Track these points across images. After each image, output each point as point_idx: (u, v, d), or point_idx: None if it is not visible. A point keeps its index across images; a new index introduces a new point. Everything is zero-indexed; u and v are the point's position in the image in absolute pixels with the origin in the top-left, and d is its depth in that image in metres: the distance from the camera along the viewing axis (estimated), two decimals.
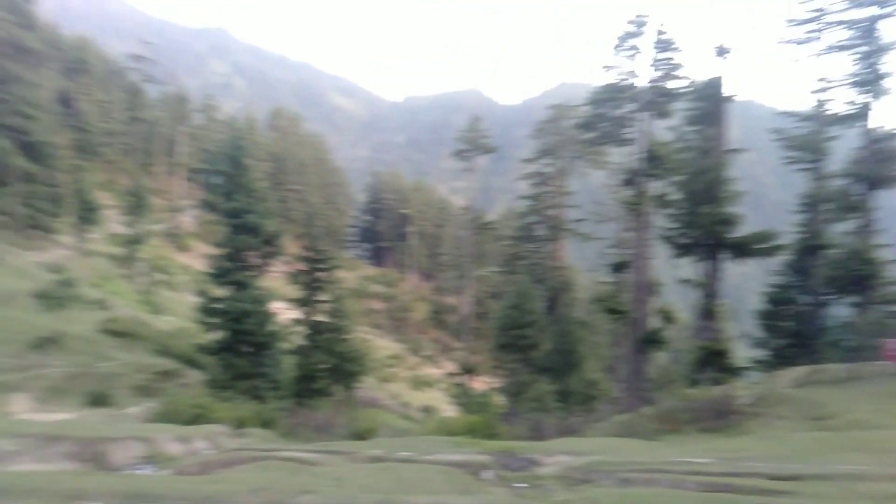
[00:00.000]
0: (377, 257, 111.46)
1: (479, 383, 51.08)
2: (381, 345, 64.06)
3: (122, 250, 57.70)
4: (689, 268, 32.71)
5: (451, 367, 70.56)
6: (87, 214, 54.67)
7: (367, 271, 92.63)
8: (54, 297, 29.63)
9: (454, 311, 78.51)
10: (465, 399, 39.19)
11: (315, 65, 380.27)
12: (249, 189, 24.50)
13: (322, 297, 27.48)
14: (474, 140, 49.81)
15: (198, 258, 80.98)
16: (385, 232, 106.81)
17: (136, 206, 57.20)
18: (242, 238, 23.33)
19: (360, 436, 17.04)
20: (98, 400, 19.51)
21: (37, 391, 18.69)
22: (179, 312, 51.59)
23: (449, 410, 49.04)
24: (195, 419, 15.36)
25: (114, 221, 71.45)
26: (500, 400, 37.02)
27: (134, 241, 55.06)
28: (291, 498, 6.17)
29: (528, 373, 35.40)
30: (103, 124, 74.48)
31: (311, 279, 27.78)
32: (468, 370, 43.52)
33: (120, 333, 28.25)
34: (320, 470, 8.36)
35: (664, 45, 35.17)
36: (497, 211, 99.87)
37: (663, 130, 36.96)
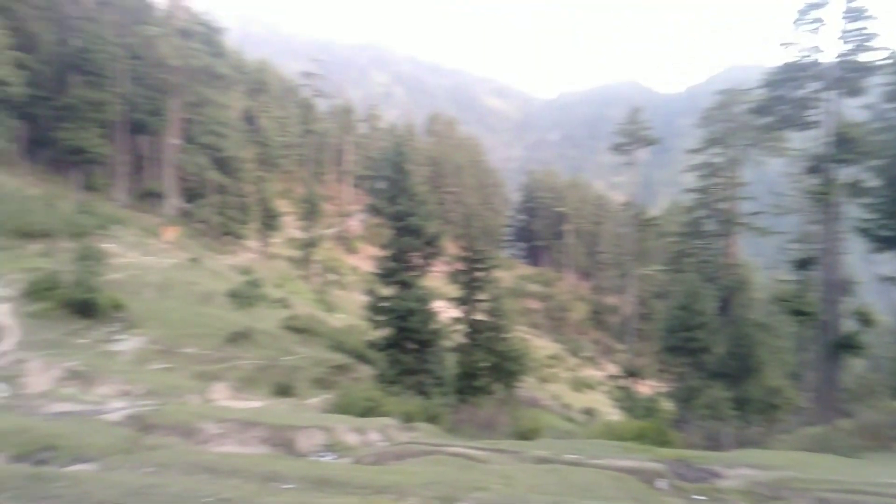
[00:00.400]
0: (533, 256, 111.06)
1: (644, 387, 48.90)
2: (540, 345, 63.71)
3: (299, 253, 63.09)
4: (891, 264, 28.77)
5: (613, 369, 68.28)
6: (270, 221, 60.41)
7: (524, 270, 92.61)
8: (244, 297, 32.97)
9: (615, 312, 75.98)
10: (629, 403, 37.73)
11: (468, 69, 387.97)
12: (412, 193, 25.57)
13: (481, 296, 27.95)
14: (634, 132, 47.78)
15: (365, 259, 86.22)
16: (541, 231, 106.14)
17: (309, 212, 62.09)
18: (406, 240, 24.42)
19: (524, 436, 17.04)
20: (283, 390, 21.46)
21: (232, 380, 20.96)
22: (350, 310, 55.22)
23: (612, 414, 47.53)
24: (367, 412, 16.30)
25: (291, 227, 78.30)
26: (668, 405, 35.16)
27: (309, 245, 59.81)
28: (464, 494, 6.30)
29: (699, 378, 33.24)
30: (281, 138, 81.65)
31: (470, 279, 28.32)
32: (632, 373, 41.85)
33: (300, 330, 30.82)
34: (489, 467, 8.47)
35: (855, 13, 31.19)
36: (660, 206, 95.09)
37: (855, 110, 32.85)
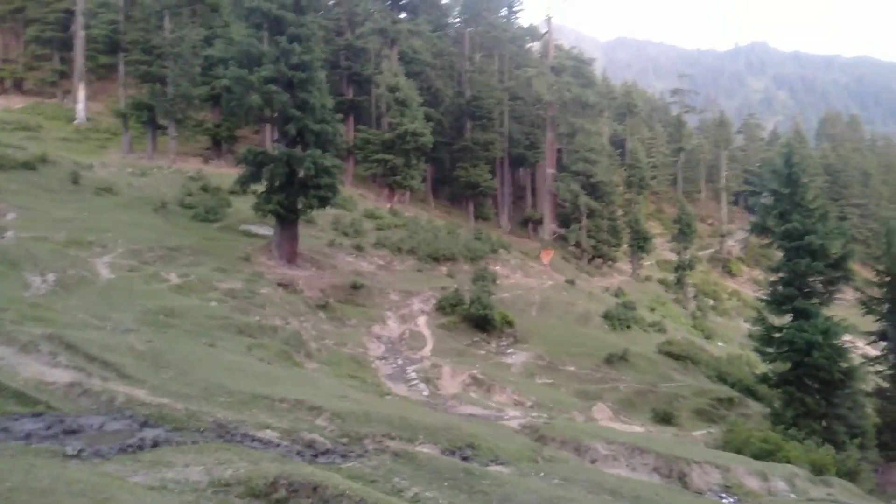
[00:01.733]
0: None
1: None
2: None
3: (672, 276, 61.08)
4: None
5: None
6: (640, 243, 59.91)
7: None
8: (619, 319, 33.31)
9: None
10: None
11: (874, 56, 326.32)
12: (808, 208, 22.40)
13: None
14: None
15: (746, 283, 78.96)
16: None
17: (682, 232, 59.62)
18: (803, 262, 21.40)
19: None
20: (663, 418, 20.75)
21: (611, 402, 21.16)
22: (731, 338, 51.08)
23: None
24: (765, 454, 14.61)
25: (663, 248, 76.54)
26: None
27: (682, 267, 57.41)
28: None
29: None
30: (649, 159, 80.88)
31: (892, 309, 23.33)
32: None
33: (677, 356, 29.59)
34: None
35: None
36: None
37: None
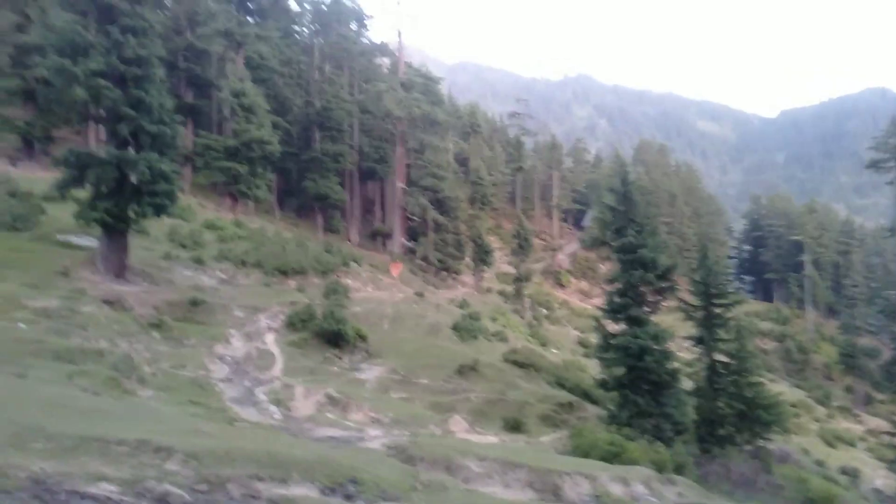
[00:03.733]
0: (763, 290, 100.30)
1: None
2: (778, 390, 56.38)
3: (511, 288, 63.74)
4: None
5: (873, 422, 58.07)
6: (483, 256, 61.85)
7: (752, 306, 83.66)
8: (467, 330, 33.79)
9: (873, 355, 64.94)
10: None
11: (677, 93, 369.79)
12: (640, 224, 24.17)
13: (721, 334, 25.32)
14: None
15: (574, 294, 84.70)
16: (772, 262, 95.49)
17: (520, 247, 62.57)
18: (636, 273, 23.00)
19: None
20: (514, 426, 21.12)
21: (465, 413, 21.14)
22: (563, 345, 54.10)
23: (880, 477, 40.04)
24: (611, 456, 15.22)
25: (502, 262, 79.65)
26: None
27: (520, 279, 60.10)
28: None
29: None
30: (490, 177, 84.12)
31: (708, 315, 25.83)
32: None
33: (521, 364, 30.54)
34: None
35: None
36: None
37: None
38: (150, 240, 30.49)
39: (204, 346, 21.61)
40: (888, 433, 40.82)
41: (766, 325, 75.62)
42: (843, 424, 56.01)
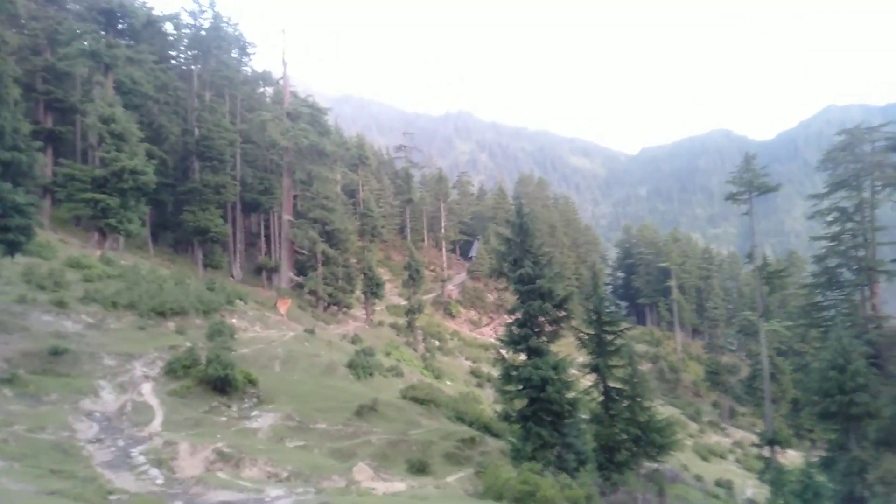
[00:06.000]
0: (636, 315, 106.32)
1: (784, 457, 44.04)
2: (662, 412, 59.42)
3: (403, 320, 62.84)
4: None
5: (738, 434, 62.51)
6: (373, 289, 60.50)
7: (631, 331, 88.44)
8: (362, 367, 32.46)
9: (733, 372, 70.30)
10: (775, 475, 33.67)
11: (552, 130, 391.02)
12: (536, 254, 24.33)
13: (615, 361, 25.94)
14: (751, 180, 44.78)
15: (464, 323, 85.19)
16: (642, 288, 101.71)
17: (411, 278, 61.82)
18: (535, 303, 23.01)
19: None
20: (419, 467, 20.11)
21: (367, 458, 19.86)
22: (457, 377, 53.87)
23: (751, 487, 42.81)
24: (526, 496, 14.67)
25: (392, 294, 78.71)
26: (822, 479, 30.89)
27: (412, 311, 59.27)
28: None
29: (862, 448, 29.13)
30: (379, 209, 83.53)
31: (600, 342, 26.43)
32: (774, 441, 37.52)
33: (420, 400, 29.59)
34: None
35: None
36: (769, 256, 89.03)
37: None
38: (1, 281, 26.70)
39: (67, 401, 18.86)
40: (755, 445, 43.88)
41: (641, 348, 79.85)
42: (714, 438, 59.81)
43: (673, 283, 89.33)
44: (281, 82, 62.09)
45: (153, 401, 20.62)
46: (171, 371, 22.84)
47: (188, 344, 25.30)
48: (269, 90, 71.12)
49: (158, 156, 46.37)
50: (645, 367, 75.91)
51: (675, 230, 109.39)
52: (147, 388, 21.56)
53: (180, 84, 54.92)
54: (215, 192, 50.61)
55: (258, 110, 58.54)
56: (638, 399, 25.26)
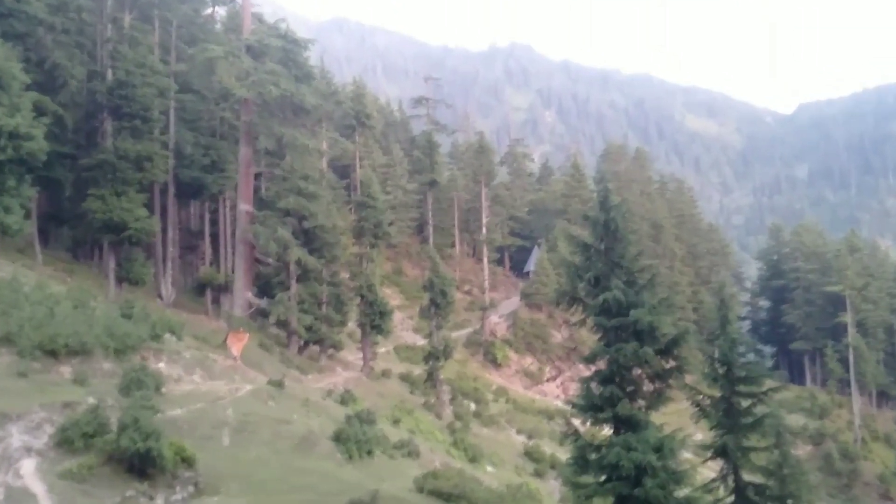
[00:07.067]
0: (788, 367, 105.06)
1: None
2: None
3: (420, 369, 63.19)
4: None
5: None
6: (376, 320, 60.37)
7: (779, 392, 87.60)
8: (357, 441, 32.79)
9: None
10: None
11: (656, 75, 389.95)
12: (630, 270, 24.28)
13: (753, 441, 25.64)
14: None
15: (515, 377, 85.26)
16: (799, 325, 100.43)
17: (434, 304, 61.73)
18: (629, 347, 22.89)
19: None
20: None
21: None
22: (503, 459, 54.01)
23: None
24: None
25: (403, 328, 79.23)
26: None
27: (435, 356, 59.40)
28: None
29: None
30: (386, 196, 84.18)
31: (729, 411, 26.20)
32: None
33: (445, 495, 29.81)
34: None
35: None
36: None
37: None
38: None
39: None
40: None
41: (796, 420, 78.95)
42: None
43: (848, 318, 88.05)
44: (239, 1, 63.07)
45: (38, 487, 21.06)
46: (66, 441, 23.26)
47: (91, 400, 25.78)
48: (222, 12, 72.24)
49: (52, 111, 47.38)
50: (802, 450, 74.98)
51: (851, 233, 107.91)
52: (28, 466, 22.03)
53: (87, 3, 56.17)
54: (136, 168, 51.34)
55: (203, 43, 59.52)
56: (790, 501, 25.10)
